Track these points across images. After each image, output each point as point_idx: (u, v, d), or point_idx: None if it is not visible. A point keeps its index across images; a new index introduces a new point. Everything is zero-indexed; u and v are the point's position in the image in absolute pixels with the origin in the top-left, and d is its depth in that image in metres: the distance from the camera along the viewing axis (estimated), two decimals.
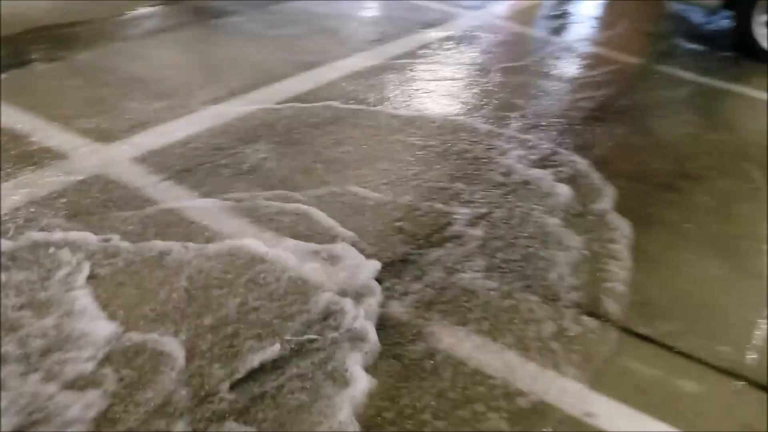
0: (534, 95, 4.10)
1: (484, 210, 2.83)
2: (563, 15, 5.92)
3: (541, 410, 1.95)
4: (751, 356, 2.26)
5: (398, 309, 2.24)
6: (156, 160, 2.90)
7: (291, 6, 5.08)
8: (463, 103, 3.85)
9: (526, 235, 2.71)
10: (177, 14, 4.63)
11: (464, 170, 3.13)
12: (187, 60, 3.99)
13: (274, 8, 4.98)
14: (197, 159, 2.95)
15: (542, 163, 3.27)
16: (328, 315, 2.15)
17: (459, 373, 2.02)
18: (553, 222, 2.82)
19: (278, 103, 3.54)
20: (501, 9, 5.78)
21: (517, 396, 1.98)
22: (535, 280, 2.47)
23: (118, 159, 2.88)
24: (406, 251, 2.52)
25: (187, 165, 2.89)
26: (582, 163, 3.31)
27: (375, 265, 2.40)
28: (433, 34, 4.89)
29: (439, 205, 2.81)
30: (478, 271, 2.46)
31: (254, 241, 2.43)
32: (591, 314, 2.34)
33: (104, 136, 3.04)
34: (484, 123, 3.60)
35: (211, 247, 2.38)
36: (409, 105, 3.71)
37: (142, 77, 3.65)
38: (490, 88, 4.08)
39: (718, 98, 4.51)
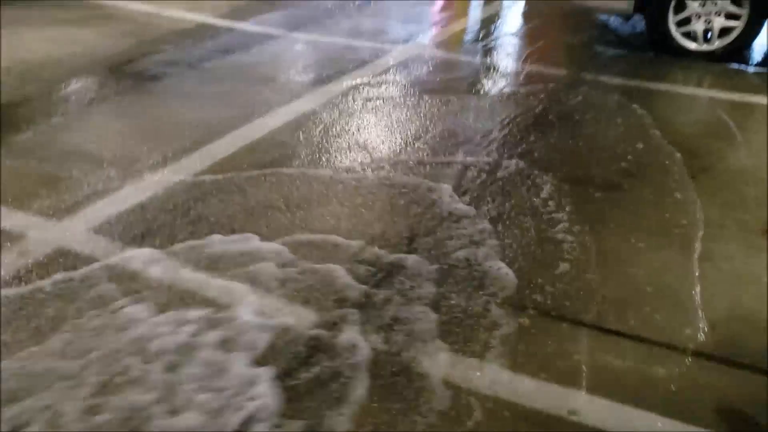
0: (471, 113, 4.24)
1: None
2: (488, 37, 6.14)
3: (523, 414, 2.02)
4: (708, 332, 2.38)
5: None
6: (113, 229, 2.91)
7: (224, 61, 5.16)
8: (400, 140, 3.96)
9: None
10: (113, 83, 4.64)
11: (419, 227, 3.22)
12: (129, 126, 4.00)
13: (208, 65, 5.04)
14: (154, 223, 2.97)
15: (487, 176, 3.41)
16: None
17: None
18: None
19: (224, 158, 3.60)
20: (428, 39, 5.96)
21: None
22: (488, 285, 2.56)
23: (75, 232, 2.88)
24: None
25: (145, 229, 2.91)
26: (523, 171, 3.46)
27: None
28: (366, 71, 5.02)
29: None
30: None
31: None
32: (556, 316, 2.43)
33: (57, 211, 3.03)
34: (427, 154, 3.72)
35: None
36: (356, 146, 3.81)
37: (86, 149, 3.65)
38: (428, 114, 4.22)
39: (644, 98, 4.72)
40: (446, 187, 3.31)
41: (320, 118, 4.12)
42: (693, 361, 2.26)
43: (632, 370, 2.20)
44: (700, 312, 2.49)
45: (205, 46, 5.48)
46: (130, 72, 4.86)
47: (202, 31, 5.88)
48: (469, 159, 3.63)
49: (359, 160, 3.60)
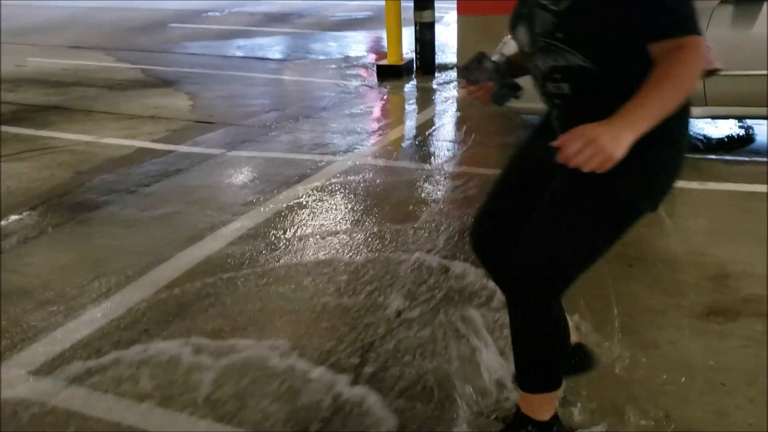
0: (417, 216, 4.33)
1: None
2: (424, 143, 6.35)
3: None
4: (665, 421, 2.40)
5: None
6: (55, 369, 2.82)
7: (163, 184, 5.18)
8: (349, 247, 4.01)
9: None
10: (50, 215, 4.60)
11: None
12: (69, 259, 3.94)
13: (147, 191, 5.05)
14: (99, 359, 2.89)
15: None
16: None
17: None
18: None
19: (169, 284, 3.56)
20: (368, 149, 6.12)
21: None
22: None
23: (14, 377, 2.78)
24: None
25: (88, 367, 2.83)
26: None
27: None
28: (308, 183, 5.10)
29: None
30: None
31: None
32: None
33: None
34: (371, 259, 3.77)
35: None
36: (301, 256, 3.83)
37: (25, 287, 3.57)
38: (374, 225, 4.29)
39: None
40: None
41: (259, 237, 4.15)
42: None
43: None
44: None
45: (143, 171, 5.51)
46: (68, 203, 4.83)
47: (140, 156, 5.92)
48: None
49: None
